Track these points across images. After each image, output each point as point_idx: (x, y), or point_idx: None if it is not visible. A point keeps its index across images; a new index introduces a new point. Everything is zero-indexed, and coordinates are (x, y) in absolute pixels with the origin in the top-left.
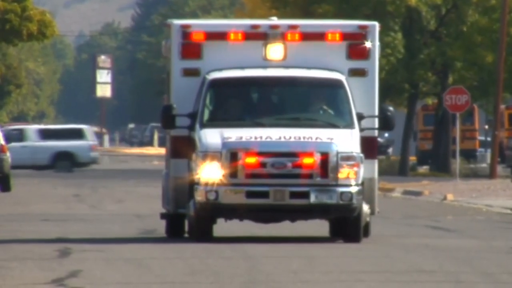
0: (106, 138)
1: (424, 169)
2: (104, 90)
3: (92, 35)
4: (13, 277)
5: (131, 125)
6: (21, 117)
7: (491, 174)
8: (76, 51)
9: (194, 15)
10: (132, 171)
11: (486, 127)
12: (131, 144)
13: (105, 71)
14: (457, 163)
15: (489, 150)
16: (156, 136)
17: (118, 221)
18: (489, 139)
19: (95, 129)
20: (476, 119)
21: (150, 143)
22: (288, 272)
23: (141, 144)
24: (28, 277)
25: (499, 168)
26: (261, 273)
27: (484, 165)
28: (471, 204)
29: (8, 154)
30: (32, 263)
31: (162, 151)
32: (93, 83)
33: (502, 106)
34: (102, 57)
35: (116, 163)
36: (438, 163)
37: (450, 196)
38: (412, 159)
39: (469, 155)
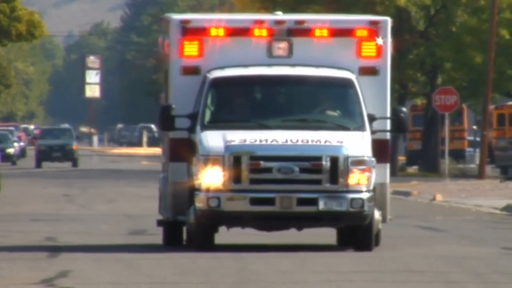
0: (95, 138)
1: (413, 169)
2: (93, 90)
3: (81, 35)
4: (3, 277)
5: (120, 126)
6: (10, 117)
7: (480, 174)
8: (65, 51)
9: None
10: (122, 171)
11: (475, 127)
12: (120, 144)
13: (94, 72)
14: (446, 163)
15: (478, 150)
16: (145, 137)
17: (108, 221)
18: (478, 139)
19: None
20: (465, 119)
21: (139, 144)
22: (278, 272)
23: (130, 144)
24: (17, 277)
25: (488, 169)
26: (252, 273)
27: (473, 165)
28: (460, 204)
29: None
30: (22, 263)
31: (151, 151)
32: (82, 83)
33: (491, 106)
34: (91, 57)
35: (105, 163)
36: (427, 163)
37: (439, 196)
38: (401, 159)
39: (458, 155)
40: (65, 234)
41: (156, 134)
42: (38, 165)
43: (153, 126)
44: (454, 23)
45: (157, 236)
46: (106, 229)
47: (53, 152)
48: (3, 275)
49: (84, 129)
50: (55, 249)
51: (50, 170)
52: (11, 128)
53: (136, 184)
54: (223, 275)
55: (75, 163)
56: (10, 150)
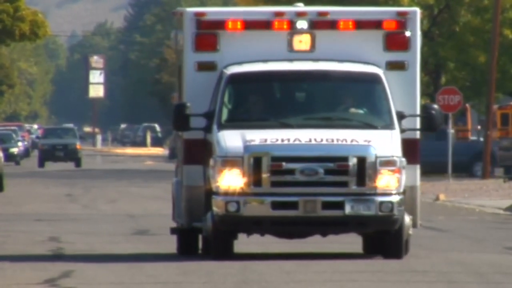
0: (99, 138)
1: None
2: (96, 90)
3: (84, 35)
4: (6, 277)
5: (124, 125)
6: (13, 117)
7: (483, 174)
8: (69, 51)
9: None
10: (125, 171)
11: (479, 127)
12: (124, 144)
13: (98, 72)
14: (449, 163)
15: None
16: (148, 136)
17: (111, 221)
18: (481, 139)
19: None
20: (468, 119)
21: (142, 143)
22: (281, 272)
23: (134, 144)
24: (20, 277)
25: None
26: (254, 273)
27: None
28: (463, 204)
29: (0, 154)
30: (25, 263)
31: (155, 151)
32: (85, 83)
33: (495, 106)
34: (95, 57)
35: (108, 163)
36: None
37: (442, 196)
38: None
39: None
40: (68, 234)
41: (159, 134)
42: (41, 165)
43: (156, 126)
44: (457, 23)
45: (159, 236)
46: (109, 229)
47: (56, 151)
48: (6, 275)
49: (87, 129)
50: (58, 249)
51: (53, 170)
52: (15, 127)
53: (139, 184)
54: (225, 275)
55: (78, 163)
56: (14, 150)
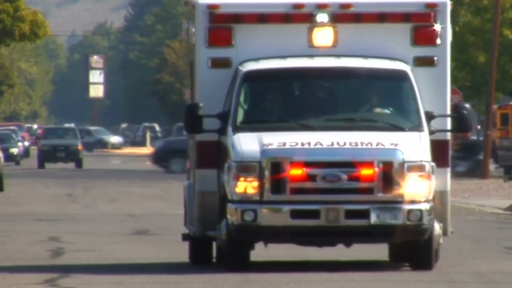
0: None
1: None
2: (96, 90)
3: (84, 35)
4: (6, 277)
5: (124, 125)
6: (13, 117)
7: (483, 174)
8: (69, 51)
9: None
10: (125, 171)
11: (479, 127)
12: (124, 144)
13: (98, 71)
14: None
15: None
16: (148, 136)
17: (111, 221)
18: (481, 138)
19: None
20: None
21: (142, 143)
22: (281, 272)
23: (134, 144)
24: (20, 277)
25: (492, 168)
26: (254, 272)
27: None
28: (463, 204)
29: (0, 154)
30: (25, 263)
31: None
32: (85, 83)
33: (495, 106)
34: (95, 57)
35: (108, 163)
36: None
37: None
38: None
39: None
40: (68, 234)
41: (159, 134)
42: (41, 166)
43: (156, 125)
44: (457, 23)
45: (159, 236)
46: (109, 229)
47: (57, 152)
48: (6, 275)
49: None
50: (58, 249)
51: (53, 170)
52: (14, 127)
53: (139, 183)
54: (226, 274)
55: (79, 163)
56: (14, 150)
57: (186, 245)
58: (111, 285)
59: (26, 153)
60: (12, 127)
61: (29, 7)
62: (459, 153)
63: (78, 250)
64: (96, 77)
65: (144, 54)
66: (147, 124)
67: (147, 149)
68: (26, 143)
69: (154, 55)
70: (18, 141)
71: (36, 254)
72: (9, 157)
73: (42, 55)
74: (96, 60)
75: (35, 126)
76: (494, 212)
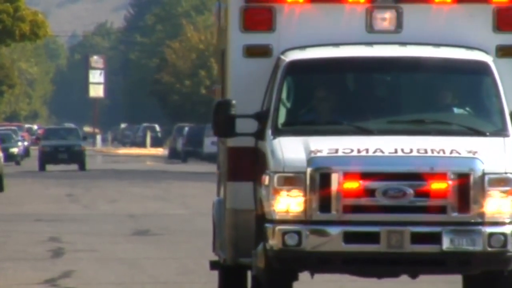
0: (99, 138)
1: None
2: (97, 90)
3: (85, 35)
4: (7, 277)
5: (124, 125)
6: (13, 117)
7: None
8: (69, 51)
9: (188, 15)
10: (125, 171)
11: None
12: (124, 144)
13: (98, 72)
14: None
15: None
16: (148, 136)
17: (111, 221)
18: None
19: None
20: None
21: (142, 144)
22: None
23: (134, 144)
24: (21, 277)
25: None
26: None
27: None
28: None
29: (0, 154)
30: (25, 263)
31: (154, 151)
32: (86, 83)
33: None
34: (95, 57)
35: (108, 163)
36: None
37: None
38: None
39: None
40: (69, 234)
41: (159, 134)
42: (42, 167)
43: (156, 126)
44: None
45: (160, 236)
46: (109, 229)
47: (59, 153)
48: (6, 275)
49: (87, 129)
50: (58, 249)
51: (53, 170)
52: (15, 127)
53: (139, 184)
54: None
55: (82, 165)
56: (14, 150)
57: (186, 245)
58: (111, 285)
59: (26, 153)
60: (13, 127)
61: (29, 7)
62: None
63: (79, 250)
64: (96, 77)
65: (144, 54)
66: (147, 124)
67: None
68: (26, 143)
69: (154, 55)
70: (18, 141)
71: (36, 254)
72: (9, 157)
73: (42, 55)
74: (96, 60)
75: (35, 127)
76: None
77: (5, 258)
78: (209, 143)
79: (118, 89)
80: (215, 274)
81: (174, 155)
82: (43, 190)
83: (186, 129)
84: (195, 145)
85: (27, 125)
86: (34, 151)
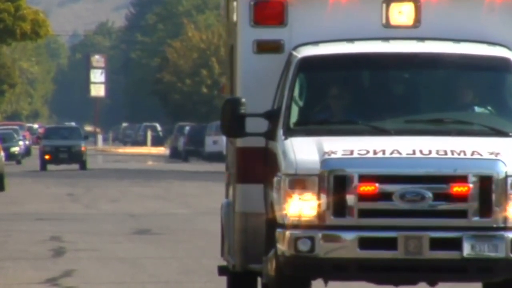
0: (100, 137)
1: None
2: (98, 89)
3: (86, 34)
4: (7, 276)
5: (125, 125)
6: (15, 117)
7: None
8: (70, 50)
9: (189, 15)
10: (126, 171)
11: None
12: (125, 143)
13: (99, 71)
14: None
15: None
16: (149, 136)
17: (112, 221)
18: None
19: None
20: None
21: (143, 143)
22: None
23: (135, 143)
24: (22, 276)
25: None
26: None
27: None
28: None
29: (2, 153)
30: (26, 263)
31: (155, 150)
32: (87, 82)
33: None
34: (96, 56)
35: (109, 162)
36: None
37: None
38: None
39: None
40: (70, 234)
41: (160, 133)
42: (43, 167)
43: (157, 125)
44: None
45: (160, 235)
46: (110, 229)
47: (60, 153)
48: (7, 274)
49: (89, 128)
50: (59, 249)
51: (54, 169)
52: (16, 127)
53: (140, 183)
54: None
55: (83, 165)
56: (15, 149)
57: (187, 245)
58: (112, 285)
59: (27, 152)
60: (14, 127)
61: (30, 6)
62: None
63: (79, 249)
64: (98, 76)
65: (146, 53)
66: (148, 123)
67: (148, 149)
68: (27, 142)
69: (155, 54)
70: (20, 140)
71: (37, 254)
72: (10, 156)
73: (43, 55)
74: (97, 59)
75: (36, 126)
76: None
77: (6, 257)
78: (210, 142)
79: (119, 88)
80: (216, 273)
81: (175, 155)
82: (44, 189)
83: (187, 128)
84: (196, 144)
85: (28, 125)
86: (35, 150)
